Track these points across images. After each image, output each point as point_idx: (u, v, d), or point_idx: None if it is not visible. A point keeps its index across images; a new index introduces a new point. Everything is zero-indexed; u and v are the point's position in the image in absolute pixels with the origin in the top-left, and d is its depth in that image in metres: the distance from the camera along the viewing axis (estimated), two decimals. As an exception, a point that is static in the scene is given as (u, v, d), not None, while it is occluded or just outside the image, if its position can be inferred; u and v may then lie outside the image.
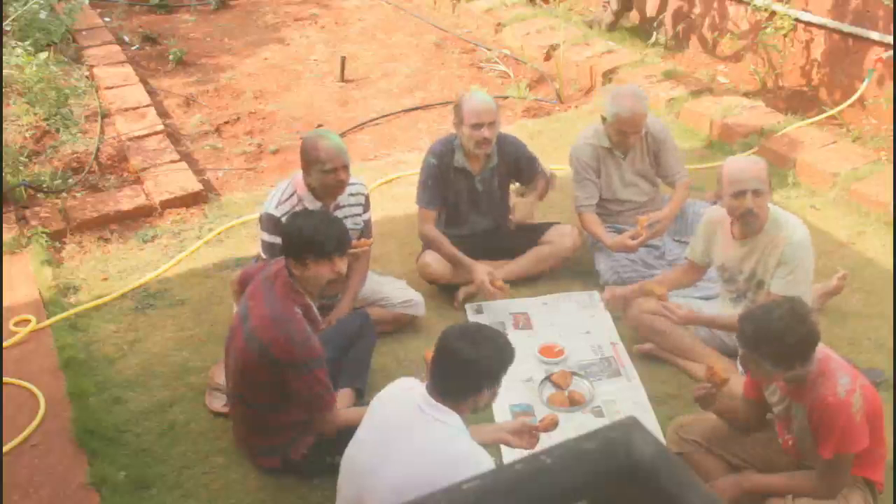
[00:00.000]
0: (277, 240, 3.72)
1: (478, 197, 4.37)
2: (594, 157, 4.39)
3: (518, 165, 4.40)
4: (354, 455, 2.71)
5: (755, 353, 2.73)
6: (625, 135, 4.28)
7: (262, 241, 3.85)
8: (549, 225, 4.49)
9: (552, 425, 3.03)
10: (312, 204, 3.78)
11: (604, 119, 4.34)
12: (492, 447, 3.12)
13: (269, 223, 3.78)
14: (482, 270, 4.16)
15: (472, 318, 4.22)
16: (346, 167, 3.76)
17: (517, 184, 4.60)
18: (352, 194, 3.93)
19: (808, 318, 2.69)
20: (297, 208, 3.76)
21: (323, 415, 3.19)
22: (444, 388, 2.59)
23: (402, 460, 2.51)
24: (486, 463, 2.50)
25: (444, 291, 4.37)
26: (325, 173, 3.71)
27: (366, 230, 4.02)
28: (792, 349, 2.66)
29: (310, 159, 3.73)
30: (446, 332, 2.66)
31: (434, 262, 4.29)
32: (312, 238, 3.15)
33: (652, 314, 3.84)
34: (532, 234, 4.46)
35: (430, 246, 4.33)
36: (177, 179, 5.37)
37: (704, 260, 3.81)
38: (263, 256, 3.86)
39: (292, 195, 3.80)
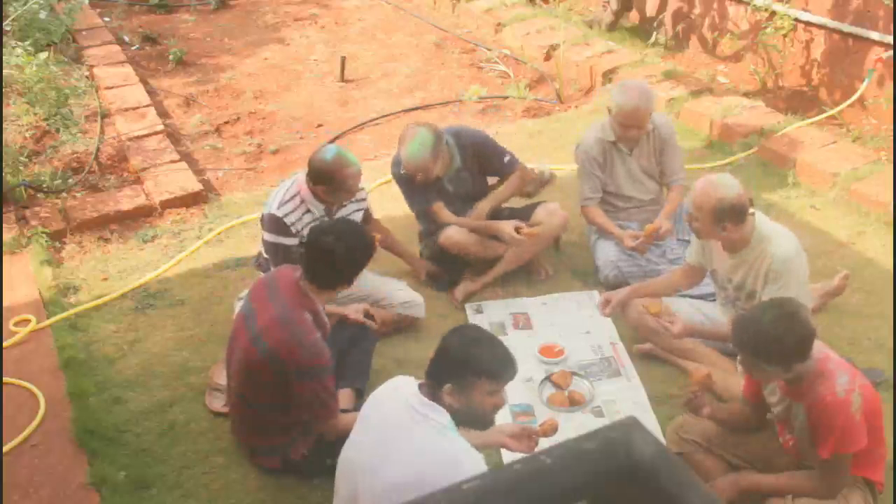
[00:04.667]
0: (280, 240, 3.75)
1: (450, 198, 4.34)
2: (600, 152, 4.38)
3: (479, 156, 4.34)
4: (353, 456, 2.70)
5: (753, 357, 2.73)
6: (625, 128, 4.27)
7: (264, 241, 3.86)
8: (535, 205, 4.45)
9: (552, 430, 3.02)
10: (315, 207, 3.81)
11: (609, 111, 4.34)
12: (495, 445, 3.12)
13: (271, 223, 3.79)
14: (507, 224, 4.17)
15: (472, 318, 4.22)
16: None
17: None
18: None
19: (800, 315, 2.68)
20: (300, 209, 3.80)
21: (325, 420, 3.19)
22: (429, 373, 2.61)
23: (402, 460, 2.50)
24: (478, 460, 2.50)
25: (444, 291, 4.37)
26: (349, 193, 3.85)
27: (366, 218, 4.11)
28: (789, 349, 2.66)
29: (335, 185, 3.77)
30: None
31: (455, 233, 4.26)
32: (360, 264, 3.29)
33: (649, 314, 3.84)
34: (520, 218, 4.41)
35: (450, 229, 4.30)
36: (177, 179, 5.37)
37: (701, 263, 3.80)
38: (265, 256, 3.88)
39: (295, 196, 3.82)
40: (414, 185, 4.25)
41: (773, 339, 2.65)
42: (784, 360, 2.68)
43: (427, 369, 2.64)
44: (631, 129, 4.27)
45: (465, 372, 2.57)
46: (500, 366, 2.62)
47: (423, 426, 2.53)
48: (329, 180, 3.75)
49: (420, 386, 2.62)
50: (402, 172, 4.26)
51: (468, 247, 4.29)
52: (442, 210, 4.30)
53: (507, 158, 4.38)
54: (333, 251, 3.16)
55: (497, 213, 4.45)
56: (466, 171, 4.33)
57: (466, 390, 2.58)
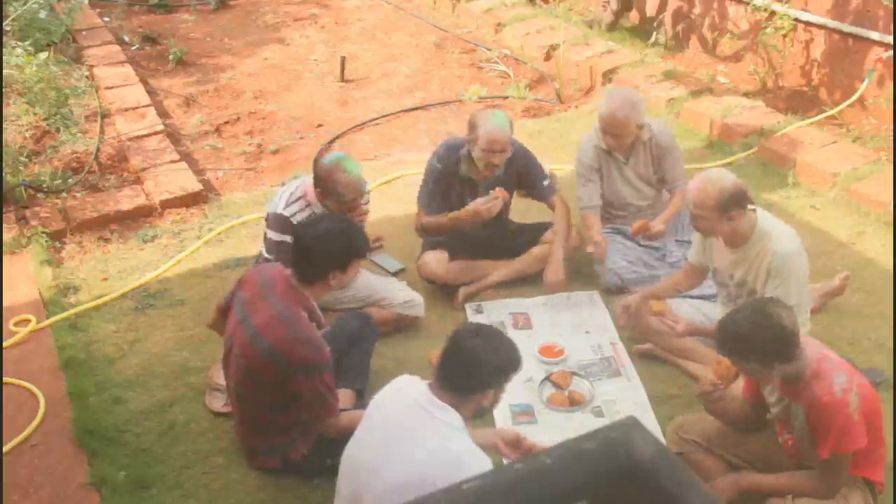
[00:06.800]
0: (286, 238, 3.76)
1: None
2: (596, 159, 4.38)
3: (521, 175, 4.34)
4: (356, 455, 2.70)
5: (729, 355, 2.76)
6: (603, 133, 4.25)
7: (268, 239, 3.87)
8: (548, 224, 4.48)
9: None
10: (321, 209, 3.82)
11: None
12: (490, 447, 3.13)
13: (277, 222, 3.81)
14: (475, 203, 4.10)
15: (473, 318, 4.22)
16: (363, 194, 3.84)
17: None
18: None
19: (774, 317, 2.66)
20: (306, 211, 3.82)
21: (326, 418, 3.18)
22: (449, 384, 2.59)
23: (404, 459, 2.50)
24: (484, 462, 2.50)
25: (444, 292, 4.36)
26: (344, 203, 3.78)
27: None
28: (761, 348, 2.66)
29: (327, 190, 3.77)
30: (459, 330, 2.68)
31: (433, 261, 4.29)
32: (353, 249, 3.26)
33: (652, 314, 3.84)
34: (532, 234, 4.45)
35: (429, 230, 4.30)
36: (177, 179, 5.37)
37: (703, 262, 3.80)
38: (267, 256, 3.87)
39: (300, 198, 3.85)
40: (440, 182, 4.22)
41: (743, 337, 2.67)
42: (758, 358, 2.68)
43: (441, 373, 2.61)
44: (607, 135, 4.24)
45: (487, 386, 2.62)
46: (515, 367, 2.66)
47: (430, 426, 2.53)
48: (322, 179, 3.76)
49: (429, 385, 2.62)
50: (439, 166, 4.23)
51: (444, 277, 4.30)
52: (424, 218, 4.28)
53: (546, 182, 4.36)
54: (310, 247, 3.18)
55: (504, 230, 4.45)
56: (503, 184, 4.30)
57: (484, 397, 2.63)
